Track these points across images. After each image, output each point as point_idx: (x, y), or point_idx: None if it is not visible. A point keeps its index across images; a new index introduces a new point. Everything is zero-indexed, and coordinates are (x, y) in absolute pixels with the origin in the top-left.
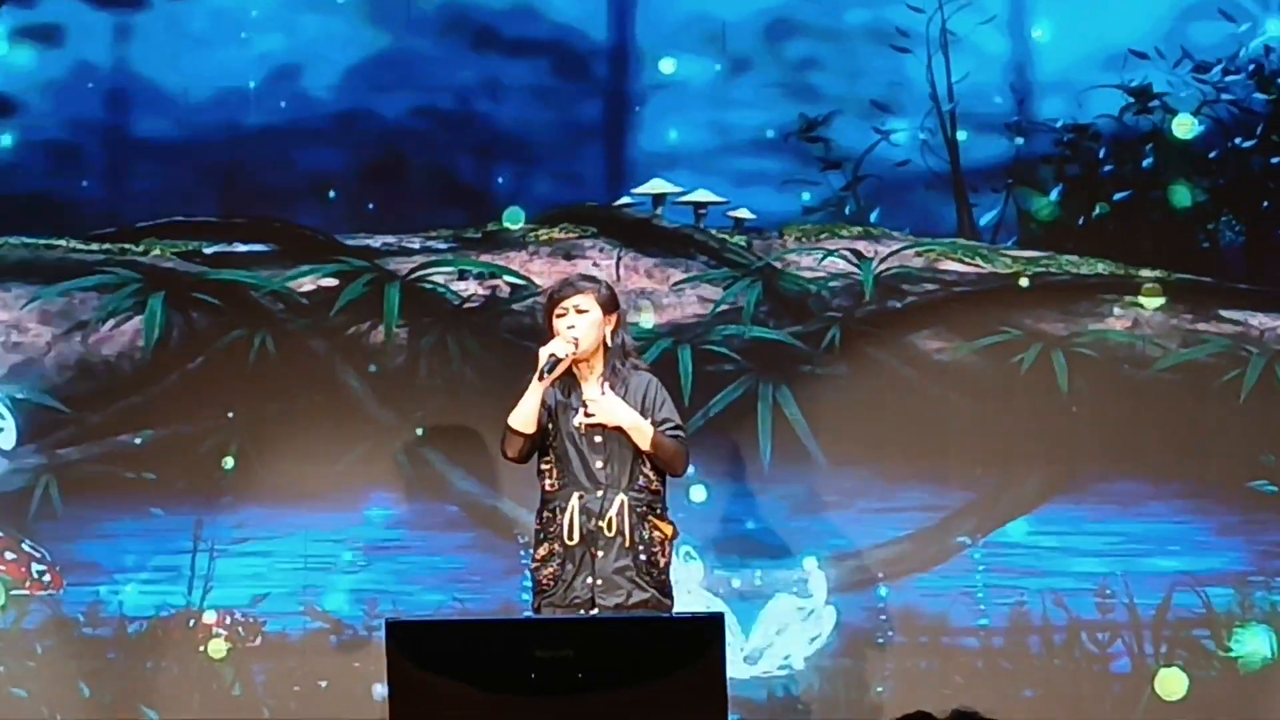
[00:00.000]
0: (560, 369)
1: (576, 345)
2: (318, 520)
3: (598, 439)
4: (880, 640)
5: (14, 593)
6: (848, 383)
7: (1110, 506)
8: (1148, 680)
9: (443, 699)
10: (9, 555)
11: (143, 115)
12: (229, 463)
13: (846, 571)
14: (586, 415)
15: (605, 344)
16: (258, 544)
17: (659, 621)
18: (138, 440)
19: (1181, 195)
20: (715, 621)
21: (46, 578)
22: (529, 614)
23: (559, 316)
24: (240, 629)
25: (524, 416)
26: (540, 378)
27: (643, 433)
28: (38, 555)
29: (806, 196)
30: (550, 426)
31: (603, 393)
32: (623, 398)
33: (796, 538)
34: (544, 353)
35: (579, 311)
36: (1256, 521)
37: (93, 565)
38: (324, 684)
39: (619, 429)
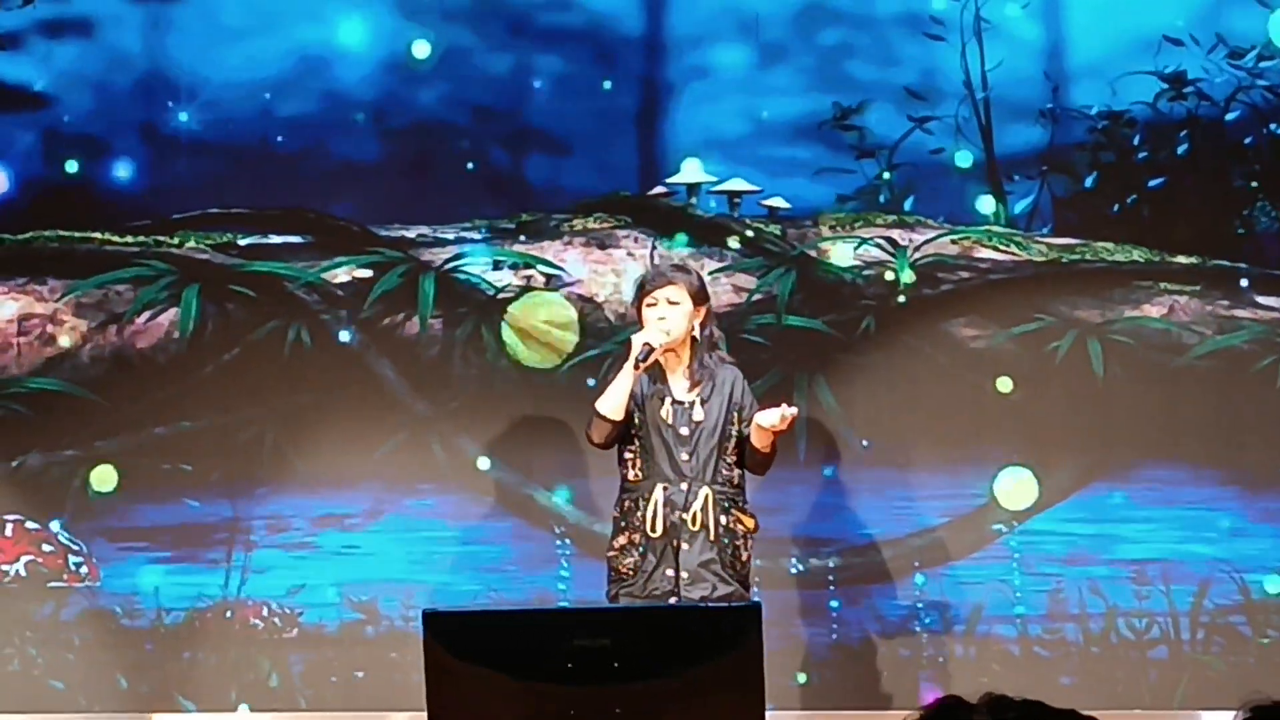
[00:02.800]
0: (654, 357)
1: (669, 335)
2: (353, 511)
3: (684, 430)
4: (916, 628)
5: (51, 585)
6: (883, 371)
7: (1146, 493)
8: (1185, 667)
9: (479, 689)
10: (46, 547)
11: (176, 107)
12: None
13: (883, 559)
14: (758, 428)
15: (694, 336)
16: (294, 535)
17: (696, 611)
18: (175, 431)
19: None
20: (753, 611)
21: (84, 569)
22: (565, 604)
23: (649, 306)
24: (277, 620)
25: (614, 403)
26: (636, 365)
27: (769, 437)
28: (75, 547)
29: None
30: (637, 416)
31: (692, 385)
32: (711, 391)
33: (832, 526)
34: (638, 341)
35: (670, 303)
36: None
37: (130, 557)
38: (361, 674)
39: (702, 422)
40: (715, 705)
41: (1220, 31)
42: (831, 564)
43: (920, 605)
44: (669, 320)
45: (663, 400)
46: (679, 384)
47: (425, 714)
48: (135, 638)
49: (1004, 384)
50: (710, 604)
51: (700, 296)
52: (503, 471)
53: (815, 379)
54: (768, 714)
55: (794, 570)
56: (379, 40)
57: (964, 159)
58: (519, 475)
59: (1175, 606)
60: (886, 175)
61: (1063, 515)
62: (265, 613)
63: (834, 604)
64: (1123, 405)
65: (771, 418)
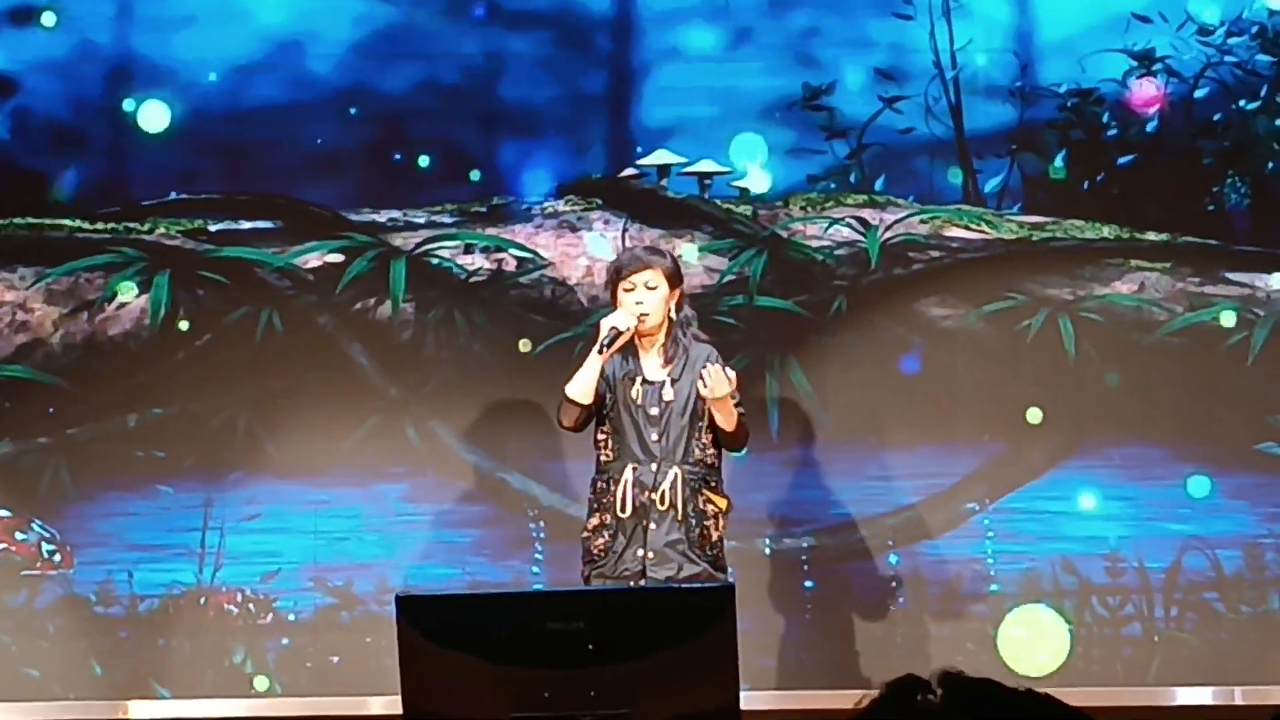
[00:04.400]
0: (621, 342)
1: (642, 321)
2: (327, 496)
3: (653, 411)
4: (891, 608)
5: (25, 573)
6: (854, 351)
7: (1119, 470)
8: (1159, 644)
9: (454, 672)
10: (19, 535)
11: (145, 93)
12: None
13: (857, 539)
14: (701, 385)
15: (669, 316)
16: (267, 520)
17: (670, 592)
18: (147, 418)
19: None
20: (726, 591)
21: (57, 557)
22: (539, 587)
23: (627, 291)
24: (251, 606)
25: (582, 387)
26: (600, 350)
27: (733, 414)
28: (48, 535)
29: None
30: (608, 397)
31: (665, 365)
32: (682, 370)
33: (805, 506)
34: (605, 324)
35: (649, 288)
36: (1265, 484)
37: (103, 544)
38: (335, 659)
39: (673, 402)
40: (690, 686)
41: (1189, 8)
42: (805, 544)
43: (894, 584)
44: (646, 304)
45: (634, 381)
46: (651, 364)
47: (400, 698)
48: (110, 625)
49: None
50: (683, 585)
51: (676, 278)
52: (476, 455)
53: (787, 360)
54: (742, 694)
55: (768, 551)
56: (348, 24)
57: (933, 138)
58: (493, 459)
59: (1149, 583)
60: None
61: (1035, 493)
62: (239, 599)
63: (808, 584)
64: (1094, 382)
65: (703, 388)
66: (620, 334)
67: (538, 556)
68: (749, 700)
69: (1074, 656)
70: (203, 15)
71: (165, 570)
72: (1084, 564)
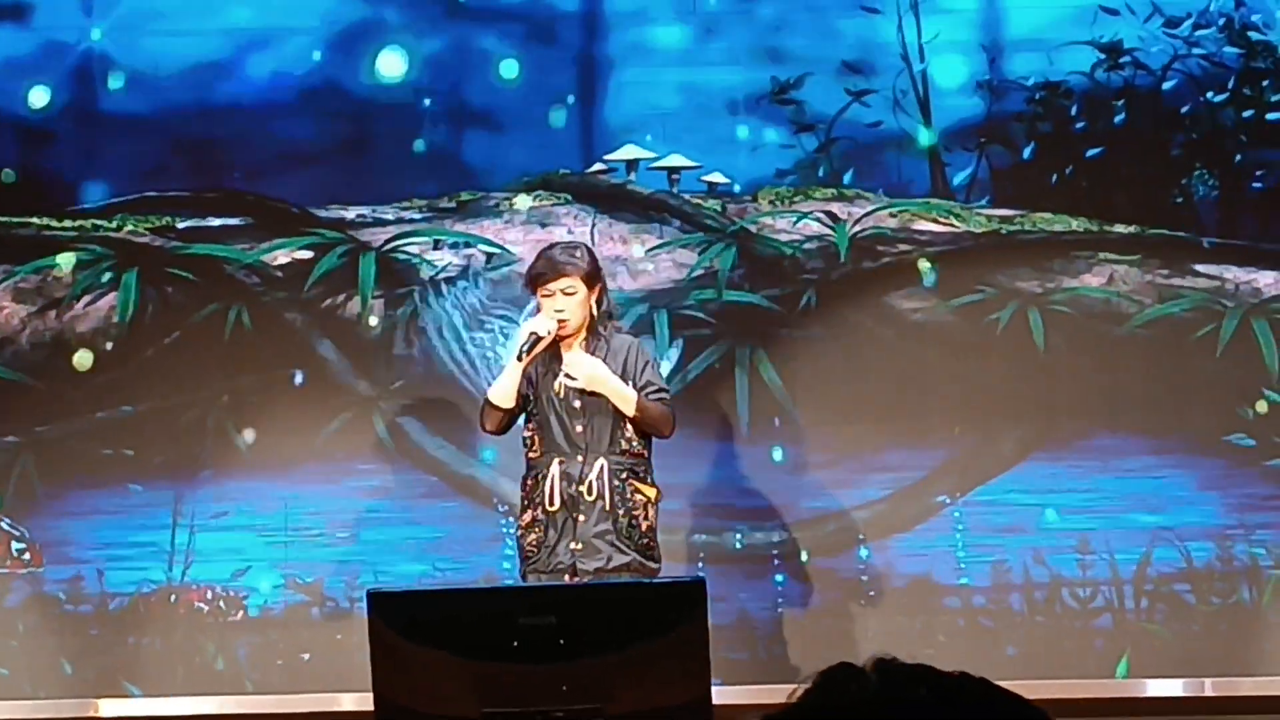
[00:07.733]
0: (540, 347)
1: (563, 327)
2: (297, 493)
3: (576, 403)
4: (862, 601)
5: None
6: (824, 345)
7: (1089, 462)
8: (1130, 636)
9: (425, 668)
10: None
11: (113, 91)
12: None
13: (827, 533)
14: (568, 378)
15: (590, 312)
16: (237, 518)
17: (641, 587)
18: (116, 416)
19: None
20: (697, 585)
21: (26, 556)
22: (510, 582)
23: (546, 298)
24: (222, 603)
25: (503, 392)
26: (520, 356)
27: (626, 398)
28: (17, 534)
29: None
30: (531, 393)
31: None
32: (604, 360)
33: (775, 501)
34: (525, 330)
35: (566, 294)
36: (1235, 475)
37: (73, 542)
38: (307, 656)
39: (598, 394)
40: (662, 680)
41: (1155, 1)
42: (776, 538)
43: (865, 578)
44: (566, 311)
45: (556, 375)
46: (573, 355)
47: (372, 694)
48: (79, 623)
49: (1003, 407)
50: (655, 580)
51: (593, 278)
52: (445, 451)
53: (757, 354)
54: (714, 689)
55: (738, 545)
56: (316, 21)
57: (918, 135)
58: (462, 455)
59: (1119, 575)
60: (825, 149)
61: (1006, 486)
62: (210, 596)
63: (779, 578)
64: (1064, 375)
65: (569, 380)
66: (540, 339)
67: (508, 552)
68: (721, 695)
69: (1045, 648)
70: (170, 11)
71: (135, 568)
72: (1054, 556)
